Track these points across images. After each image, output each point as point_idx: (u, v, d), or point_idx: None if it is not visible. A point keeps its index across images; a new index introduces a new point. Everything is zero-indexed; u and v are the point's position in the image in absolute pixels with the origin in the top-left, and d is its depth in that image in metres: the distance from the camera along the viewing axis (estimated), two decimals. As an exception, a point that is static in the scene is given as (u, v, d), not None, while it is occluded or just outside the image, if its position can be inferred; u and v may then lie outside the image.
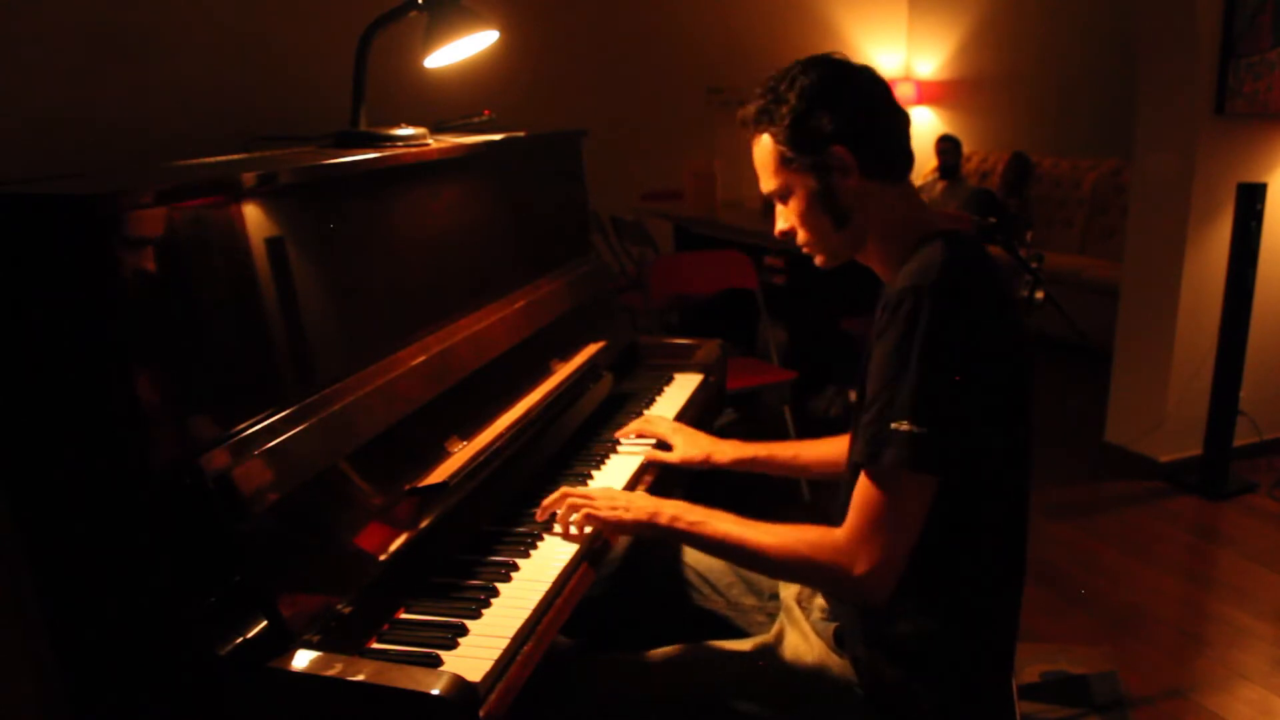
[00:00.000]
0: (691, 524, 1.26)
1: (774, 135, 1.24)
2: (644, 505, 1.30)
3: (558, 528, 1.35)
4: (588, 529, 1.34)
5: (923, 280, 1.13)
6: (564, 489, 1.38)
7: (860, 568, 1.14)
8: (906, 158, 1.28)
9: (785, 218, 1.30)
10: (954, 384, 1.12)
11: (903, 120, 1.27)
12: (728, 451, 1.63)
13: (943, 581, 1.22)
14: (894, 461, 1.11)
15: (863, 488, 1.16)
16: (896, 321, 1.13)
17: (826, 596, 1.37)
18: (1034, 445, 1.25)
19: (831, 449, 1.58)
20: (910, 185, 1.29)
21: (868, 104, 1.24)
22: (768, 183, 1.29)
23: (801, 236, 1.30)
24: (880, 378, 1.14)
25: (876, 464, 1.13)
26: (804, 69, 1.23)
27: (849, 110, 1.22)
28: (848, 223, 1.26)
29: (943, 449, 1.11)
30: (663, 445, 1.67)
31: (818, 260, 1.33)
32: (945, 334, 1.11)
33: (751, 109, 1.27)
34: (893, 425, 1.12)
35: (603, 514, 1.31)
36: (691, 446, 1.64)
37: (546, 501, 1.37)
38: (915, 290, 1.12)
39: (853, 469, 1.22)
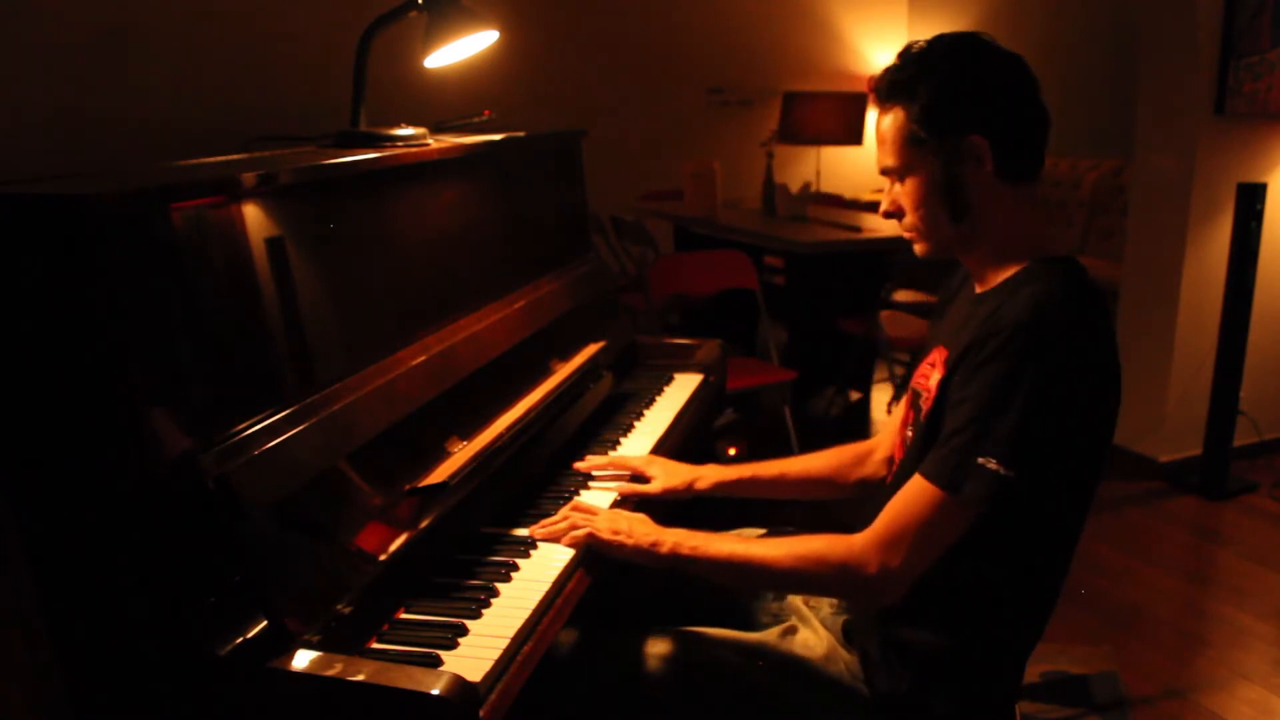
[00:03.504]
0: (694, 549, 1.25)
1: (908, 111, 1.16)
2: (645, 533, 1.29)
3: (554, 535, 1.34)
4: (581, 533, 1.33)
5: (1041, 320, 1.08)
6: (574, 503, 1.38)
7: (873, 568, 1.13)
8: (1041, 160, 1.21)
9: (896, 198, 1.23)
10: (1053, 431, 1.09)
11: (1046, 119, 1.20)
12: (710, 476, 1.56)
13: (977, 602, 1.21)
14: (974, 497, 1.09)
15: (909, 498, 1.13)
16: (1005, 354, 1.08)
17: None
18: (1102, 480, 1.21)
19: (818, 464, 1.55)
20: (1036, 190, 1.22)
21: (1016, 96, 1.17)
22: (888, 158, 1.21)
23: (909, 220, 1.23)
24: (979, 405, 1.09)
25: (955, 493, 1.10)
26: (952, 47, 1.17)
27: (996, 99, 1.15)
28: (966, 217, 1.19)
29: (1022, 495, 1.09)
30: (639, 479, 1.57)
31: (918, 248, 1.25)
32: (1056, 381, 1.07)
33: (886, 79, 1.19)
34: (980, 460, 1.08)
35: (604, 536, 1.29)
36: (672, 476, 1.56)
37: (548, 522, 1.36)
38: (1030, 327, 1.07)
39: (901, 478, 1.19)
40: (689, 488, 1.55)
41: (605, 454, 1.66)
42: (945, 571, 1.15)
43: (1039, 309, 1.09)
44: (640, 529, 1.30)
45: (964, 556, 1.14)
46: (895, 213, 1.24)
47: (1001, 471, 1.07)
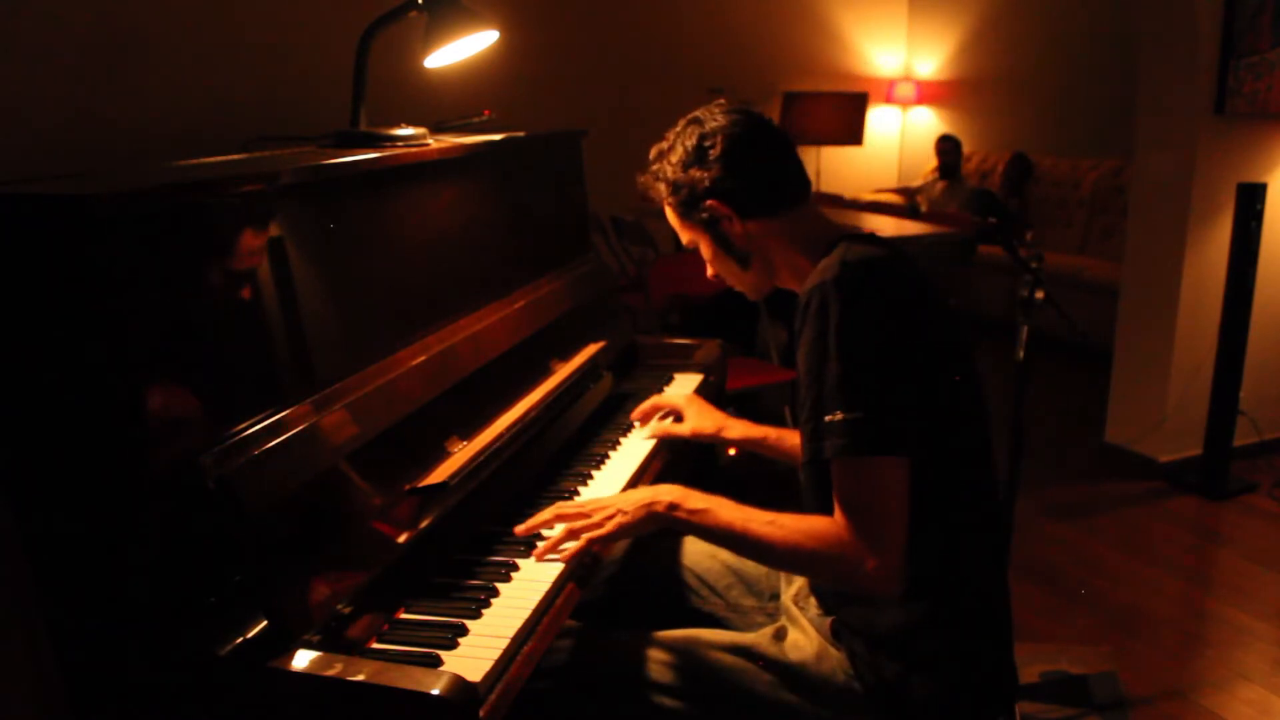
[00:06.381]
0: (692, 512, 1.26)
1: (665, 200, 1.38)
2: (638, 498, 1.29)
3: (552, 555, 1.29)
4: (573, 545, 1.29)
5: (826, 276, 1.18)
6: (556, 506, 1.34)
7: (870, 563, 1.14)
8: (785, 190, 1.34)
9: (708, 265, 1.42)
10: (877, 365, 1.15)
11: (776, 156, 1.34)
12: (737, 429, 1.68)
13: (924, 571, 1.21)
14: (838, 452, 1.14)
15: (837, 489, 1.17)
16: (809, 320, 1.18)
17: (819, 592, 1.37)
18: (988, 426, 1.27)
19: None
20: (806, 209, 1.35)
21: (731, 154, 1.31)
22: (682, 237, 1.41)
23: (725, 280, 1.42)
24: (807, 375, 1.18)
25: (820, 458, 1.16)
26: (680, 130, 1.35)
27: (714, 165, 1.31)
28: (750, 261, 1.36)
29: (884, 429, 1.14)
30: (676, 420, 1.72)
31: (749, 297, 1.44)
32: (856, 320, 1.15)
33: (647, 177, 1.39)
34: (827, 418, 1.15)
35: (605, 530, 1.28)
36: (704, 419, 1.69)
37: (535, 521, 1.33)
38: (820, 287, 1.18)
39: (806, 471, 1.24)
40: (717, 433, 1.68)
41: (642, 405, 1.77)
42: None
43: (824, 273, 1.19)
44: (633, 497, 1.30)
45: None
46: (718, 275, 1.43)
47: (848, 417, 1.14)
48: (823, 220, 1.37)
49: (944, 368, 1.21)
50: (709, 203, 1.32)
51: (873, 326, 1.16)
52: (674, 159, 1.34)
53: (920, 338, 1.19)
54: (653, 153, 1.39)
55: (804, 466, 1.23)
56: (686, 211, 1.35)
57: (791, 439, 1.64)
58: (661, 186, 1.37)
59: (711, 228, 1.35)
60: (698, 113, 1.36)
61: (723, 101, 1.36)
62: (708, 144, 1.31)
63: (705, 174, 1.31)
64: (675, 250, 4.67)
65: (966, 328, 1.27)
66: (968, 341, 1.26)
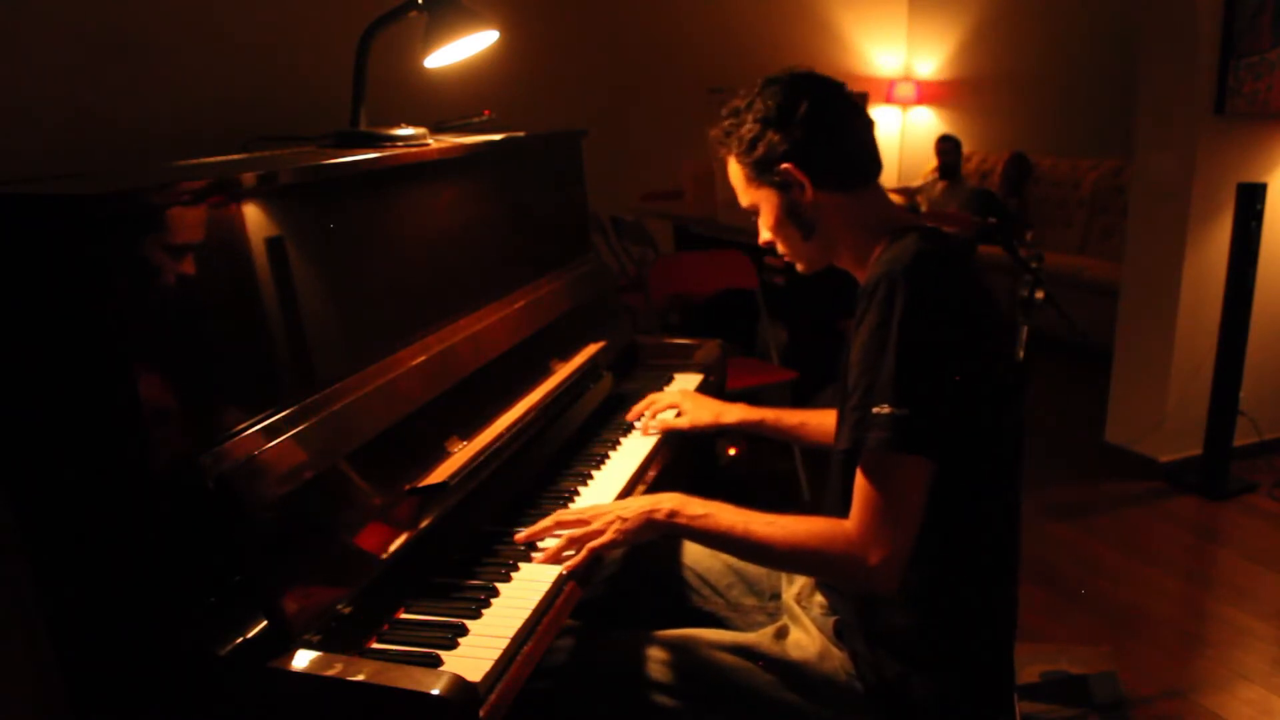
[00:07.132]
0: (693, 518, 1.25)
1: (736, 158, 1.32)
2: (639, 505, 1.28)
3: (545, 559, 1.28)
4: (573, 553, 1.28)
5: (897, 266, 1.16)
6: (556, 514, 1.34)
7: (874, 558, 1.14)
8: (863, 167, 1.32)
9: (764, 230, 1.37)
10: (933, 365, 1.14)
11: (859, 130, 1.31)
12: (734, 413, 1.69)
13: (934, 572, 1.22)
14: (878, 444, 1.13)
15: (861, 478, 1.16)
16: (873, 307, 1.17)
17: (826, 590, 1.37)
18: (1024, 435, 1.26)
19: (834, 420, 1.58)
20: (876, 190, 1.33)
21: (817, 121, 1.27)
22: (742, 199, 1.37)
23: (780, 247, 1.38)
24: (861, 363, 1.17)
25: (862, 448, 1.14)
26: (760, 89, 1.30)
27: (797, 129, 1.27)
28: (814, 233, 1.32)
29: (926, 429, 1.13)
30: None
31: (799, 268, 1.39)
32: (921, 316, 1.14)
33: (718, 132, 1.34)
34: (874, 410, 1.13)
35: (607, 537, 1.27)
36: (700, 411, 1.72)
37: (536, 529, 1.32)
38: (890, 276, 1.16)
39: (839, 456, 1.23)
40: (715, 420, 1.71)
41: (636, 406, 1.80)
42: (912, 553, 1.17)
43: (892, 264, 1.17)
44: (633, 505, 1.29)
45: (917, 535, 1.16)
46: (770, 242, 1.38)
47: (896, 412, 1.12)
48: (891, 207, 1.34)
49: (993, 379, 1.20)
50: (784, 166, 1.27)
51: (935, 325, 1.14)
52: (752, 117, 1.29)
53: (976, 344, 1.18)
54: (725, 109, 1.33)
55: (840, 452, 1.22)
56: (759, 172, 1.30)
57: (789, 419, 1.65)
58: (734, 143, 1.32)
59: (783, 192, 1.30)
60: (778, 74, 1.31)
61: (801, 67, 1.32)
62: (791, 106, 1.27)
63: (785, 137, 1.27)
64: (675, 250, 4.68)
65: (1011, 343, 1.26)
66: (1013, 359, 1.26)
